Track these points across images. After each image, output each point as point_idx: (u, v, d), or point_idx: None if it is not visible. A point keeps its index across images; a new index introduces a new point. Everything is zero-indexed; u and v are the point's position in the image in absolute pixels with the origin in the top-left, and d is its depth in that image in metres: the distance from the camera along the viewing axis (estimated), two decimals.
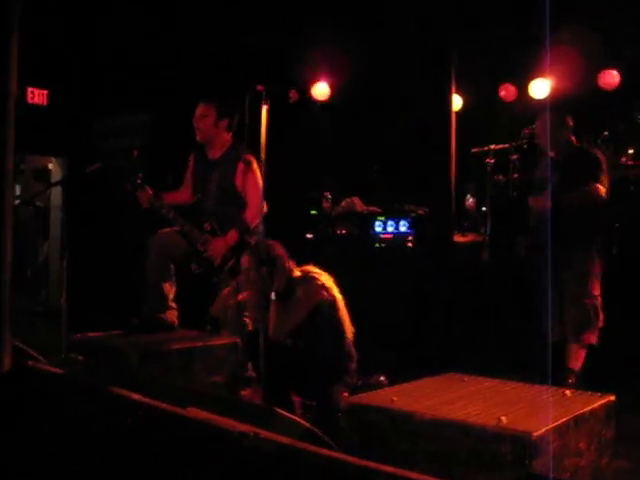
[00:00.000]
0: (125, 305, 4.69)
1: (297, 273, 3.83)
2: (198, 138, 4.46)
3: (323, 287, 3.74)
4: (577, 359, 4.07)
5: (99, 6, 5.99)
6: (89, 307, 5.18)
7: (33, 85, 6.39)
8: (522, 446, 2.09)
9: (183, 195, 4.57)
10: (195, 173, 4.55)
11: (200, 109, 4.40)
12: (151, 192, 4.29)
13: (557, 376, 3.83)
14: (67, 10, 5.96)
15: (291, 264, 3.83)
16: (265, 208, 4.16)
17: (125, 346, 3.60)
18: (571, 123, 4.39)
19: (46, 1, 5.65)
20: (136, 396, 2.32)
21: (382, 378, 3.91)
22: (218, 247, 4.22)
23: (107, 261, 6.20)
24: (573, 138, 4.41)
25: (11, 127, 2.27)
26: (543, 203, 4.15)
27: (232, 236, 4.22)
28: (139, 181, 4.27)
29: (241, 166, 4.25)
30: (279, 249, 3.82)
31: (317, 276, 3.80)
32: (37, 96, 6.43)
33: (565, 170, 4.22)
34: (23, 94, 6.21)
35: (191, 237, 4.26)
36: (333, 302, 3.73)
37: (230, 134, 4.47)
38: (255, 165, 4.21)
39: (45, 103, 6.51)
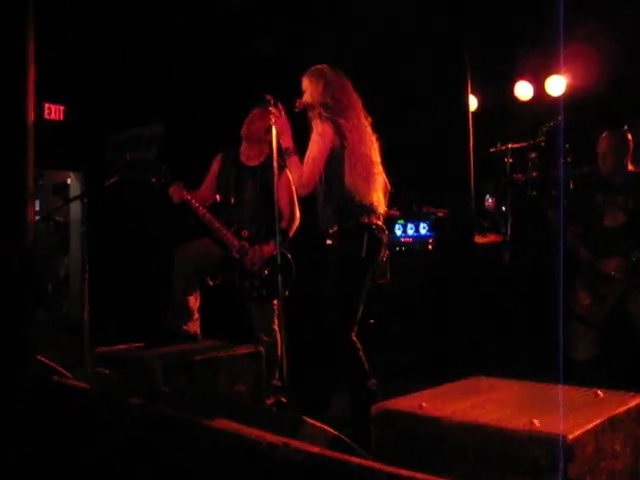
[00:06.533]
0: (148, 317, 4.70)
1: None
2: (244, 133, 4.28)
3: None
4: None
5: (112, 21, 6.04)
6: (112, 320, 5.20)
7: (49, 101, 6.45)
8: (557, 449, 2.04)
9: (203, 193, 4.42)
10: (220, 176, 4.41)
11: (259, 111, 4.13)
12: (183, 188, 4.15)
13: None
14: (81, 25, 6.01)
15: None
16: (298, 219, 4.17)
17: (149, 358, 3.59)
18: (631, 143, 4.22)
19: (59, 17, 5.70)
20: (162, 408, 2.30)
21: None
22: (256, 256, 4.16)
23: (129, 273, 6.22)
24: (630, 162, 4.25)
25: (30, 147, 2.28)
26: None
27: (272, 247, 4.08)
28: (169, 175, 4.16)
29: (282, 177, 4.06)
30: None
31: None
32: (54, 112, 6.49)
33: (631, 202, 4.11)
34: (40, 110, 6.27)
35: (226, 242, 4.20)
36: None
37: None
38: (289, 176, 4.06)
39: (62, 119, 6.57)
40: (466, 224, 4.99)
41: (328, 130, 3.35)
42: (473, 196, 5.20)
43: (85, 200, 4.56)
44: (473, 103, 6.28)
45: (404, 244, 5.52)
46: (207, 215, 4.19)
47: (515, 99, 6.60)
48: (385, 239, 3.46)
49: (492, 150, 5.70)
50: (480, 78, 5.90)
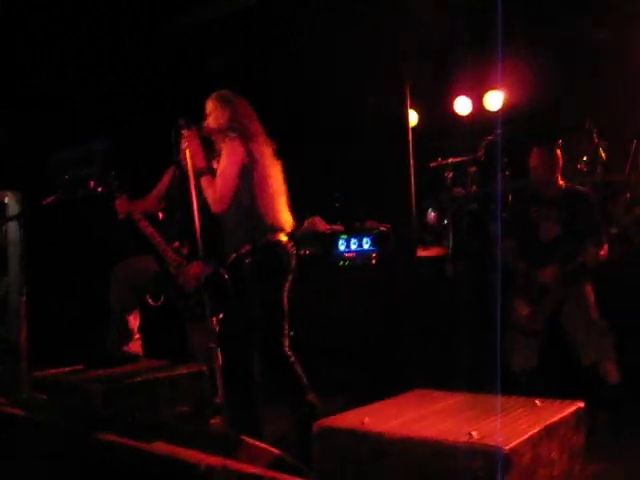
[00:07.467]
0: (88, 339, 4.60)
1: None
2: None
3: None
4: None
5: (50, 39, 5.95)
6: (51, 343, 5.06)
7: None
8: (494, 460, 2.07)
9: (149, 202, 4.35)
10: (169, 189, 4.35)
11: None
12: (128, 201, 4.12)
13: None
14: (16, 43, 5.90)
15: None
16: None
17: (88, 382, 3.50)
18: (560, 159, 4.32)
19: None
20: (99, 434, 2.25)
21: None
22: (191, 274, 4.11)
23: (68, 294, 6.08)
24: (560, 177, 4.34)
25: None
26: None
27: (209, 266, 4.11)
28: (116, 184, 4.12)
29: None
30: None
31: None
32: None
33: (564, 215, 4.19)
34: None
35: (164, 258, 4.14)
36: None
37: None
38: None
39: None
40: (408, 238, 5.05)
41: (239, 148, 3.49)
42: (415, 210, 5.27)
43: (22, 220, 4.44)
44: (413, 118, 6.38)
45: (347, 259, 5.53)
46: (148, 229, 4.14)
47: (455, 114, 6.71)
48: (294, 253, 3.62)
49: (432, 164, 5.78)
50: (420, 93, 6.00)
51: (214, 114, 3.63)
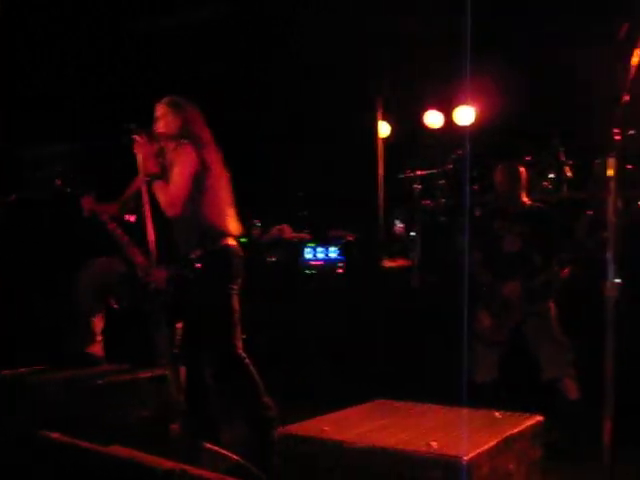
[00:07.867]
0: (50, 339, 4.53)
1: None
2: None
3: None
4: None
5: (21, 38, 5.88)
6: (11, 343, 4.98)
7: None
8: (453, 471, 2.08)
9: (114, 206, 4.32)
10: (138, 193, 4.38)
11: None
12: (95, 200, 4.05)
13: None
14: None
15: None
16: None
17: (48, 383, 3.45)
18: (524, 176, 4.37)
19: None
20: (56, 435, 2.22)
21: None
22: (158, 277, 4.08)
23: (31, 293, 5.99)
24: (524, 194, 4.39)
25: None
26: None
27: (174, 270, 4.11)
28: (81, 186, 4.10)
29: None
30: None
31: None
32: None
33: (526, 231, 4.24)
34: None
35: (132, 260, 4.10)
36: None
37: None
38: None
39: None
40: (374, 248, 5.07)
41: (191, 155, 3.52)
42: (382, 221, 5.30)
43: None
44: (385, 130, 6.41)
45: (314, 267, 5.55)
46: (117, 230, 4.11)
47: (425, 127, 6.76)
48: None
49: (402, 176, 5.83)
50: (393, 105, 6.04)
51: (164, 119, 3.66)
